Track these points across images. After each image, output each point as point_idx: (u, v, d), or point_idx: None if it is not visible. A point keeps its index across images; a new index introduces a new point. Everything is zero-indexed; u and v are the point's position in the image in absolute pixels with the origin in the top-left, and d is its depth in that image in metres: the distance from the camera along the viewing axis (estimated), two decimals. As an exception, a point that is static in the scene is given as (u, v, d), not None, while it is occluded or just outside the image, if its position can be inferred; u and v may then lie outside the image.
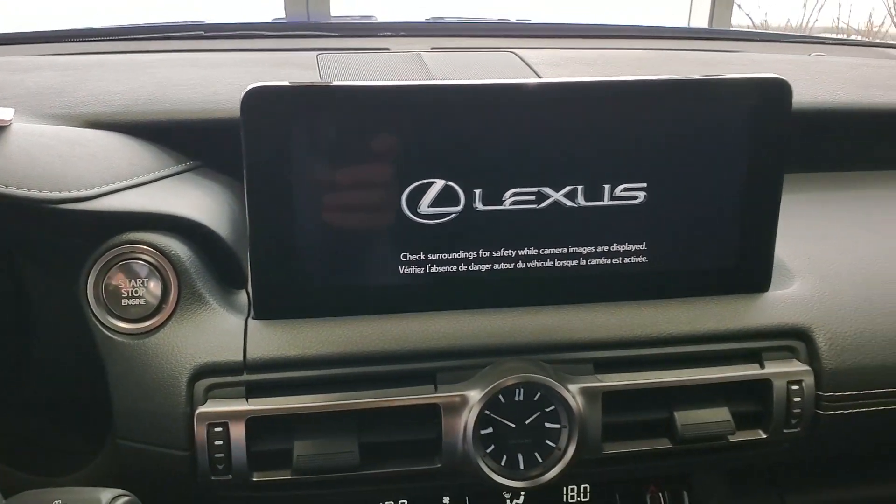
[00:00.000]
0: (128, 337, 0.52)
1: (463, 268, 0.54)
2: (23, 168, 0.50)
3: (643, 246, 0.56)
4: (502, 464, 0.53)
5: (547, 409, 0.53)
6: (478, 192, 0.53)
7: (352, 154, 0.51)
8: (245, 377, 0.51)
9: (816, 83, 0.78)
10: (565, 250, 0.55)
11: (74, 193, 0.51)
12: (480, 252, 0.54)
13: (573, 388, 0.52)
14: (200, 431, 0.50)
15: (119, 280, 0.52)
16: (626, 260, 0.56)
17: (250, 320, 0.53)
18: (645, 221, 0.55)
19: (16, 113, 0.54)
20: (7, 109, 0.53)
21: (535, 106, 0.52)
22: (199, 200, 0.57)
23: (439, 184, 0.52)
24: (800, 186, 0.72)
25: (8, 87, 0.66)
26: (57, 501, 0.40)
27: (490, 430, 0.52)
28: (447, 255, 0.54)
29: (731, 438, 0.55)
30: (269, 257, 0.52)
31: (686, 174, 0.55)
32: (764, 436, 0.56)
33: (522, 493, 0.62)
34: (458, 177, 0.52)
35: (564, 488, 0.61)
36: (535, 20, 1.13)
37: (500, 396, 0.52)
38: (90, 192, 0.51)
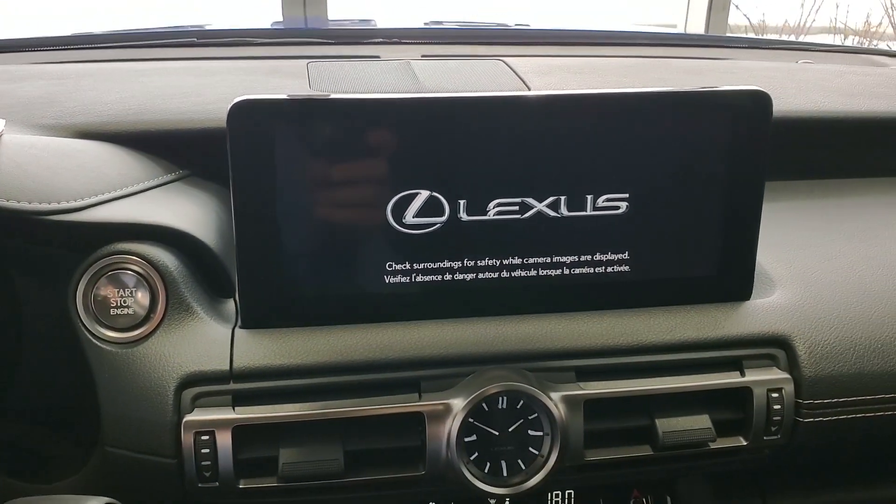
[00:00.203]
0: (116, 346, 0.52)
1: (447, 277, 0.55)
2: (12, 179, 0.51)
3: (626, 255, 0.57)
4: (486, 471, 0.53)
5: (530, 417, 0.54)
6: (462, 202, 0.53)
7: (337, 165, 0.52)
8: (232, 386, 0.52)
9: (802, 91, 0.78)
10: (549, 260, 0.56)
11: (63, 205, 0.51)
12: (465, 262, 0.55)
13: (555, 396, 0.53)
14: (187, 439, 0.50)
15: (107, 290, 0.52)
16: (609, 269, 0.57)
17: (237, 329, 0.54)
18: (627, 231, 0.56)
19: (6, 124, 0.55)
20: (-3, 121, 0.54)
21: (518, 118, 0.53)
22: (187, 210, 0.58)
23: (424, 195, 0.53)
24: (782, 195, 0.73)
25: None
26: (44, 510, 0.41)
27: (474, 437, 0.53)
28: (432, 265, 0.55)
29: (712, 445, 0.56)
30: (255, 267, 0.53)
31: (668, 184, 0.55)
32: (744, 443, 0.57)
33: (506, 499, 0.62)
34: (443, 188, 0.53)
35: (549, 494, 0.62)
36: (532, 26, 1.14)
37: (484, 404, 0.53)
38: (79, 203, 0.52)
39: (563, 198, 0.54)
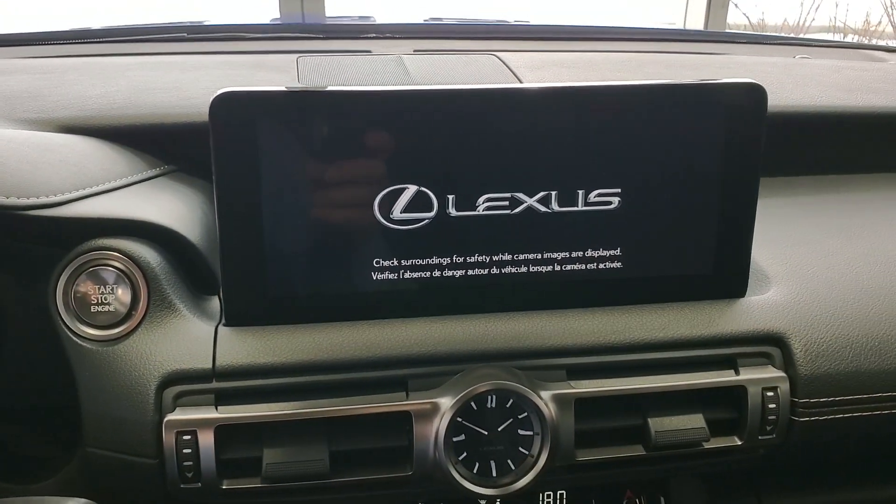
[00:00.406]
0: (97, 344, 0.51)
1: (436, 274, 0.54)
2: (-10, 174, 0.50)
3: (618, 251, 0.56)
4: (475, 471, 0.52)
5: (520, 416, 0.53)
6: (451, 197, 0.52)
7: (322, 159, 0.51)
8: (214, 385, 0.51)
9: (799, 86, 0.77)
10: (539, 256, 0.55)
11: (43, 199, 0.50)
12: (454, 258, 0.54)
13: (546, 394, 0.52)
14: (169, 439, 0.49)
15: (87, 287, 0.51)
16: (601, 266, 0.56)
17: (220, 327, 0.52)
18: (619, 227, 0.55)
19: (-14, 118, 0.54)
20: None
21: (508, 111, 0.52)
22: (171, 205, 0.57)
23: (412, 189, 0.52)
24: (778, 190, 0.72)
25: None
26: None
27: (462, 437, 0.52)
28: (420, 261, 0.54)
29: (706, 445, 0.55)
30: (239, 264, 0.52)
31: (661, 179, 0.54)
32: (739, 442, 0.56)
33: (496, 500, 0.61)
34: (431, 182, 0.52)
35: (540, 495, 0.61)
36: (531, 22, 1.13)
37: (473, 403, 0.52)
38: (59, 198, 0.51)
39: (553, 193, 0.53)
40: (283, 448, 0.51)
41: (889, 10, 3.95)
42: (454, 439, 0.52)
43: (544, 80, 0.75)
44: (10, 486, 0.55)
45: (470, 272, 0.54)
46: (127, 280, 0.52)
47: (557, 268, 0.55)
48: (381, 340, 0.53)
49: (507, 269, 0.55)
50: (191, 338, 0.52)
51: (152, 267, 0.52)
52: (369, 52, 0.86)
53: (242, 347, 0.52)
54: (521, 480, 0.52)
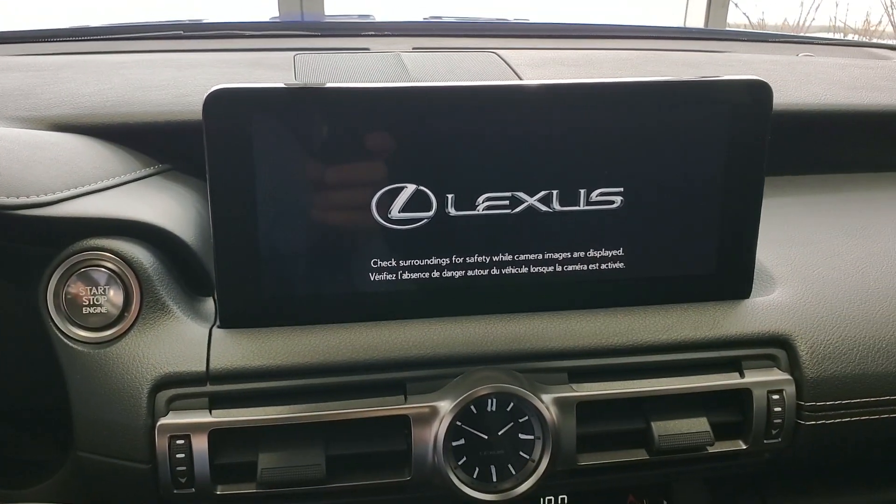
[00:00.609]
0: (88, 346, 0.50)
1: (435, 274, 0.53)
2: (-21, 173, 0.49)
3: (620, 252, 0.54)
4: (474, 476, 0.51)
5: (520, 420, 0.52)
6: (450, 196, 0.51)
7: (319, 158, 0.50)
8: (208, 388, 0.50)
9: (803, 84, 0.76)
10: (540, 256, 0.54)
11: (34, 199, 0.49)
12: (453, 258, 0.53)
13: (547, 398, 0.51)
14: (162, 444, 0.48)
15: (79, 288, 0.50)
16: (603, 266, 0.55)
17: (215, 329, 0.51)
18: (622, 227, 0.54)
19: (-24, 116, 0.53)
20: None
21: (509, 108, 0.51)
22: (165, 205, 0.56)
23: (410, 188, 0.51)
24: (783, 190, 0.71)
25: None
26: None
27: (462, 441, 0.51)
28: (419, 262, 0.53)
29: (710, 449, 0.54)
30: (233, 264, 0.51)
31: (664, 178, 0.53)
32: (744, 446, 0.55)
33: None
34: (430, 181, 0.51)
35: (541, 500, 0.60)
36: (531, 20, 1.12)
37: (472, 407, 0.51)
38: (50, 197, 0.50)
39: (555, 192, 0.52)
40: (278, 453, 0.49)
41: (889, 9, 3.95)
42: (453, 443, 0.51)
43: (545, 78, 0.74)
44: (3, 490, 0.54)
45: (470, 273, 0.53)
46: (119, 281, 0.51)
47: (559, 268, 0.54)
48: (379, 342, 0.52)
49: (508, 270, 0.54)
50: (184, 340, 0.50)
51: (145, 268, 0.51)
52: (368, 49, 0.85)
53: (237, 350, 0.50)
54: (522, 485, 0.51)
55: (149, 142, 0.62)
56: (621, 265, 0.55)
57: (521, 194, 0.52)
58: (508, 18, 1.13)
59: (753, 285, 0.57)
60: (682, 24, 2.08)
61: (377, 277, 0.52)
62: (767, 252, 0.61)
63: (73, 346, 0.50)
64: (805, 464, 0.61)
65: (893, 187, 0.74)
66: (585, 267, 0.54)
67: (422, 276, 0.53)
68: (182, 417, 0.49)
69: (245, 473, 0.50)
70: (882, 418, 0.56)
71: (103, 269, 0.51)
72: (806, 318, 0.56)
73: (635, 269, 0.55)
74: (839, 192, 0.73)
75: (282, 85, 0.49)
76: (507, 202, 0.52)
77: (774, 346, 0.55)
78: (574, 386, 0.53)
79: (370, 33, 0.93)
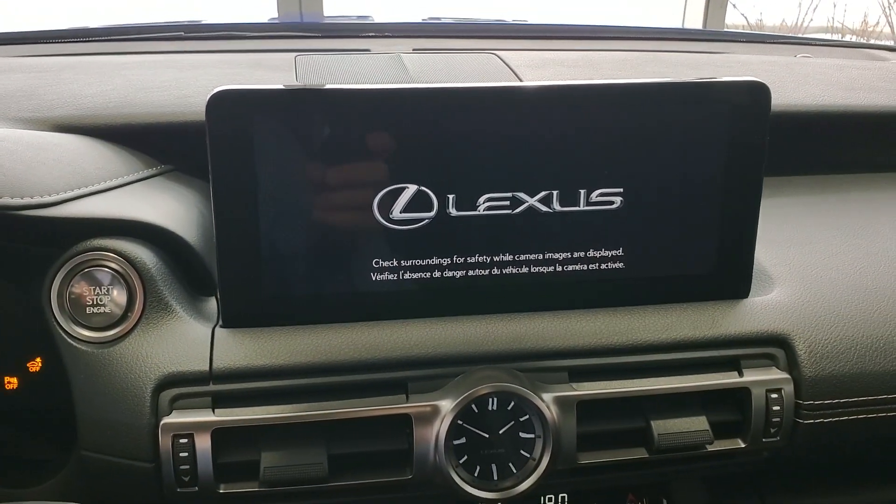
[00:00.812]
0: (92, 346, 0.50)
1: (436, 274, 0.53)
2: (-17, 174, 0.49)
3: (620, 252, 0.55)
4: (475, 475, 0.52)
5: (521, 419, 0.52)
6: (451, 197, 0.52)
7: (320, 159, 0.50)
8: (211, 387, 0.50)
9: (801, 85, 0.77)
10: (540, 256, 0.54)
11: (37, 199, 0.50)
12: (454, 258, 0.53)
13: (547, 397, 0.51)
14: (165, 443, 0.49)
15: (82, 288, 0.51)
16: (603, 266, 0.55)
17: (218, 329, 0.52)
18: (622, 227, 0.54)
19: (-20, 117, 0.53)
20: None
21: (509, 109, 0.51)
22: (168, 205, 0.56)
23: (412, 189, 0.51)
24: (782, 190, 0.71)
25: None
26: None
27: (463, 440, 0.51)
28: (420, 262, 0.53)
29: (709, 448, 0.54)
30: (236, 264, 0.51)
31: (664, 179, 0.54)
32: (743, 445, 0.55)
33: None
34: (431, 182, 0.51)
35: (541, 498, 0.60)
36: (531, 21, 1.13)
37: (473, 406, 0.51)
38: (53, 198, 0.50)
39: (555, 192, 0.53)
40: (281, 451, 0.50)
41: (887, 10, 3.95)
42: (455, 442, 0.51)
43: (545, 79, 0.74)
44: (8, 490, 0.55)
45: (471, 273, 0.54)
46: (122, 281, 0.51)
47: (559, 268, 0.54)
48: (381, 342, 0.52)
49: (509, 270, 0.54)
50: (187, 340, 0.51)
51: (148, 268, 0.51)
52: (368, 50, 0.85)
53: (240, 349, 0.51)
54: (523, 484, 0.52)
55: (151, 142, 0.62)
56: (621, 265, 0.55)
57: (522, 195, 0.52)
58: (507, 19, 1.13)
59: (752, 285, 0.58)
60: (680, 25, 2.08)
61: (379, 277, 0.53)
62: (766, 252, 0.61)
63: (77, 345, 0.50)
64: (803, 462, 0.61)
65: (891, 187, 0.74)
66: (585, 267, 0.55)
67: (423, 275, 0.53)
68: (185, 416, 0.49)
69: (248, 472, 0.50)
70: (880, 417, 0.56)
71: (107, 269, 0.51)
72: (804, 318, 0.56)
73: (635, 269, 0.55)
74: (837, 193, 0.73)
75: (284, 86, 0.49)
76: (507, 202, 0.52)
77: (773, 346, 0.56)
78: (574, 385, 0.53)
79: (370, 34, 0.94)
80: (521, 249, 0.54)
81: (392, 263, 0.53)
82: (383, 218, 0.51)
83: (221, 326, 0.52)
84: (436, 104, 0.50)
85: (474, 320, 0.54)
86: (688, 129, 0.53)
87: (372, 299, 0.53)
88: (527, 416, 0.52)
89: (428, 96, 0.50)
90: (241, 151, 0.49)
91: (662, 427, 0.53)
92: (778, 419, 0.54)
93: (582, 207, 0.53)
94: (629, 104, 0.52)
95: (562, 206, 0.53)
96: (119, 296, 0.51)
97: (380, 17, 1.08)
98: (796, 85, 0.77)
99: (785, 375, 0.55)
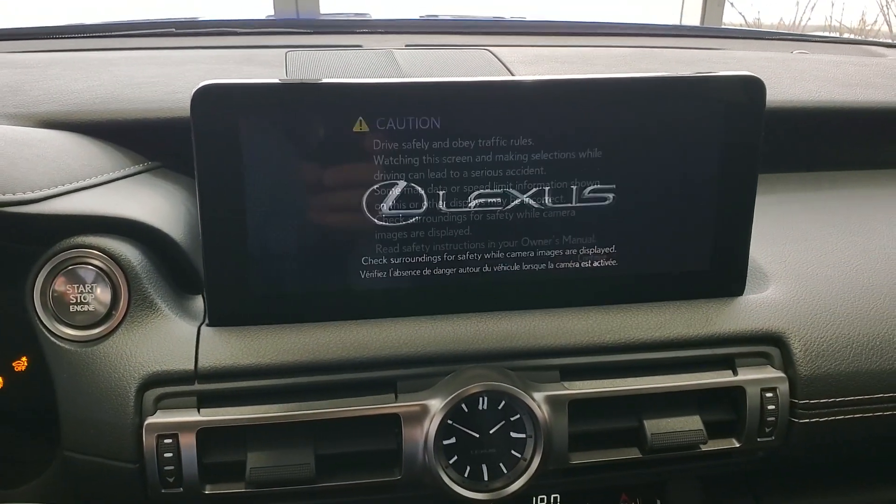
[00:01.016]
0: (75, 344, 0.50)
1: (426, 272, 0.53)
2: (-36, 170, 0.48)
3: (612, 249, 0.54)
4: (465, 475, 0.51)
5: (512, 419, 0.51)
6: (441, 193, 0.51)
7: (307, 154, 0.49)
8: (196, 387, 0.49)
9: (797, 81, 0.76)
10: (532, 254, 0.53)
11: (19, 196, 0.49)
12: (444, 256, 0.52)
13: (538, 396, 0.51)
14: (149, 443, 0.48)
15: (66, 286, 0.50)
16: (595, 263, 0.54)
17: (203, 327, 0.51)
18: (614, 224, 0.54)
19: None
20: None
21: (501, 104, 0.50)
22: (154, 202, 0.55)
23: (401, 185, 0.51)
24: (777, 187, 0.70)
25: None
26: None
27: (453, 440, 0.51)
28: (410, 259, 0.52)
29: (703, 448, 0.54)
30: (223, 262, 0.50)
31: (657, 175, 0.53)
32: (737, 444, 0.54)
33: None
34: (421, 177, 0.51)
35: (533, 499, 0.59)
36: (526, 19, 1.12)
37: (464, 405, 0.50)
38: (36, 194, 0.49)
39: (546, 189, 0.52)
40: (267, 452, 0.49)
41: (885, 9, 3.95)
42: (444, 442, 0.50)
43: (538, 75, 0.73)
44: None
45: (461, 270, 0.53)
46: (107, 279, 0.50)
47: (551, 266, 0.54)
48: (370, 340, 0.51)
49: (499, 267, 0.53)
50: (173, 338, 0.50)
51: (133, 265, 0.50)
52: (360, 46, 0.85)
53: (226, 348, 0.50)
54: (514, 484, 0.51)
55: (138, 139, 0.61)
56: (614, 262, 0.54)
57: (513, 191, 0.52)
58: (503, 17, 1.12)
59: (747, 282, 0.57)
60: (678, 23, 2.08)
61: (368, 275, 0.52)
62: (761, 249, 0.60)
63: (60, 344, 0.50)
64: (799, 462, 0.61)
65: (888, 184, 0.74)
66: (577, 264, 0.54)
67: (413, 273, 0.52)
68: (170, 416, 0.48)
69: (234, 473, 0.49)
70: (876, 416, 0.55)
71: (90, 267, 0.50)
72: (799, 316, 0.56)
73: (628, 267, 0.55)
74: (833, 190, 0.72)
75: (270, 80, 0.48)
76: (498, 199, 0.52)
77: (768, 344, 0.55)
78: (566, 384, 0.52)
79: (363, 31, 0.93)
80: (513, 246, 0.53)
81: (381, 261, 0.52)
82: (372, 215, 0.51)
83: (207, 325, 0.51)
84: (426, 98, 0.50)
85: (464, 318, 0.53)
86: (682, 124, 0.52)
87: (361, 297, 0.52)
88: (518, 416, 0.51)
89: (418, 90, 0.50)
90: (228, 146, 0.48)
91: (656, 427, 0.53)
92: (773, 418, 0.54)
93: (574, 204, 0.53)
94: (622, 99, 0.52)
95: (553, 202, 0.52)
96: (103, 294, 0.50)
97: (376, 15, 1.07)
98: (793, 81, 0.76)
99: (780, 374, 0.54)
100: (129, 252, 0.51)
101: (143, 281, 0.51)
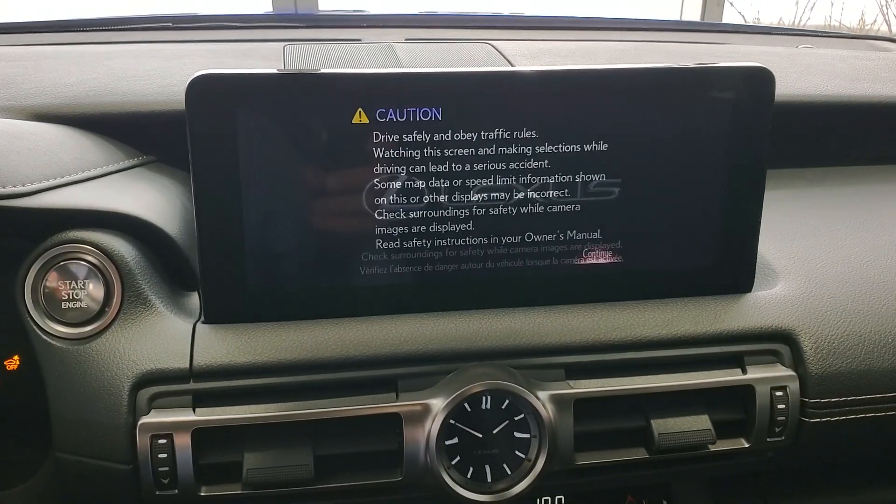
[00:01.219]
0: (67, 342, 0.48)
1: (428, 268, 0.51)
2: (-46, 163, 0.47)
3: (618, 244, 0.53)
4: (468, 476, 0.50)
5: (516, 418, 0.50)
6: (443, 186, 0.50)
7: (306, 146, 0.48)
8: (192, 385, 0.48)
9: (804, 75, 0.75)
10: (536, 249, 0.52)
11: (10, 189, 0.47)
12: (446, 251, 0.51)
13: (543, 395, 0.49)
14: (143, 443, 0.46)
15: (57, 282, 0.48)
16: (601, 259, 0.53)
17: (199, 325, 0.50)
18: (620, 219, 0.52)
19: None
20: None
21: (504, 95, 0.49)
22: (148, 197, 0.54)
23: (401, 178, 0.49)
24: (785, 182, 0.69)
25: None
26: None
27: (455, 440, 0.49)
28: (411, 255, 0.51)
29: (712, 448, 0.52)
30: (218, 258, 0.49)
31: (663, 169, 0.52)
32: (746, 445, 0.53)
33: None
34: (422, 171, 0.49)
35: (538, 500, 0.58)
36: (528, 14, 1.11)
37: (466, 404, 0.49)
38: (28, 187, 0.48)
39: (551, 182, 0.51)
40: (264, 452, 0.48)
41: (884, 9, 3.95)
42: (447, 442, 0.49)
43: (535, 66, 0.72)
44: None
45: (463, 266, 0.52)
46: (100, 275, 0.49)
47: (555, 261, 0.52)
48: (370, 338, 0.50)
49: (503, 263, 0.52)
50: (167, 336, 0.49)
51: (126, 261, 0.49)
52: (359, 40, 0.83)
53: (222, 346, 0.49)
54: (518, 486, 0.50)
55: (132, 132, 0.60)
56: (620, 258, 0.53)
57: (517, 185, 0.50)
58: (504, 12, 1.11)
59: (756, 279, 0.56)
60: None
61: (367, 271, 0.51)
62: (770, 245, 0.59)
63: (52, 341, 0.48)
64: (809, 463, 0.59)
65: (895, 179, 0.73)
66: (583, 260, 0.53)
67: (414, 269, 0.51)
68: (164, 416, 0.47)
69: (230, 474, 0.48)
70: (888, 415, 0.54)
71: (83, 263, 0.49)
72: (810, 313, 0.54)
73: (634, 263, 0.53)
74: (843, 185, 0.71)
75: (268, 70, 0.47)
76: (501, 193, 0.50)
77: (777, 342, 0.54)
78: (571, 383, 0.51)
79: (362, 25, 0.92)
80: (516, 242, 0.52)
81: (381, 256, 0.51)
82: (372, 209, 0.49)
83: (203, 322, 0.50)
84: (427, 90, 0.48)
85: (467, 315, 0.52)
86: (688, 116, 0.51)
87: (360, 294, 0.51)
88: (522, 415, 0.50)
89: (418, 82, 0.48)
90: (223, 139, 0.47)
91: (663, 426, 0.51)
92: (783, 418, 0.52)
93: (579, 198, 0.51)
94: (629, 91, 0.50)
95: (558, 196, 0.51)
96: (96, 290, 0.49)
97: (375, 10, 1.06)
98: (799, 75, 0.75)
99: (790, 372, 0.53)
100: (122, 247, 0.49)
101: (137, 277, 0.49)
